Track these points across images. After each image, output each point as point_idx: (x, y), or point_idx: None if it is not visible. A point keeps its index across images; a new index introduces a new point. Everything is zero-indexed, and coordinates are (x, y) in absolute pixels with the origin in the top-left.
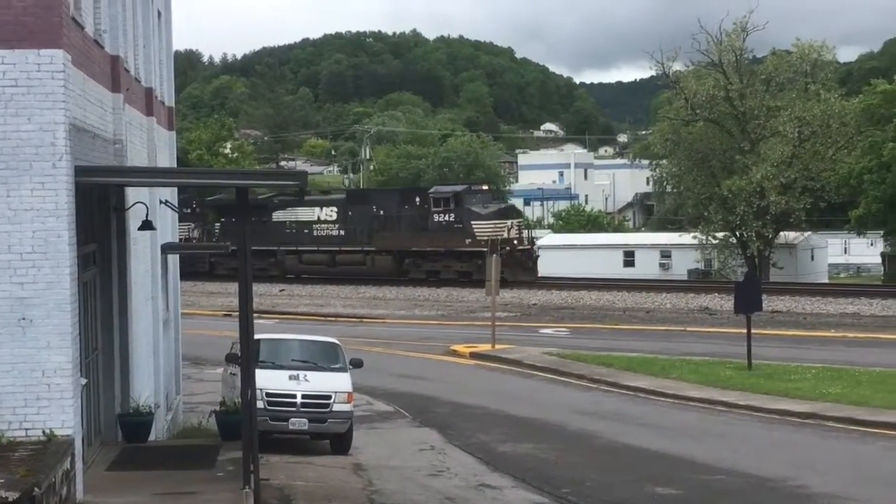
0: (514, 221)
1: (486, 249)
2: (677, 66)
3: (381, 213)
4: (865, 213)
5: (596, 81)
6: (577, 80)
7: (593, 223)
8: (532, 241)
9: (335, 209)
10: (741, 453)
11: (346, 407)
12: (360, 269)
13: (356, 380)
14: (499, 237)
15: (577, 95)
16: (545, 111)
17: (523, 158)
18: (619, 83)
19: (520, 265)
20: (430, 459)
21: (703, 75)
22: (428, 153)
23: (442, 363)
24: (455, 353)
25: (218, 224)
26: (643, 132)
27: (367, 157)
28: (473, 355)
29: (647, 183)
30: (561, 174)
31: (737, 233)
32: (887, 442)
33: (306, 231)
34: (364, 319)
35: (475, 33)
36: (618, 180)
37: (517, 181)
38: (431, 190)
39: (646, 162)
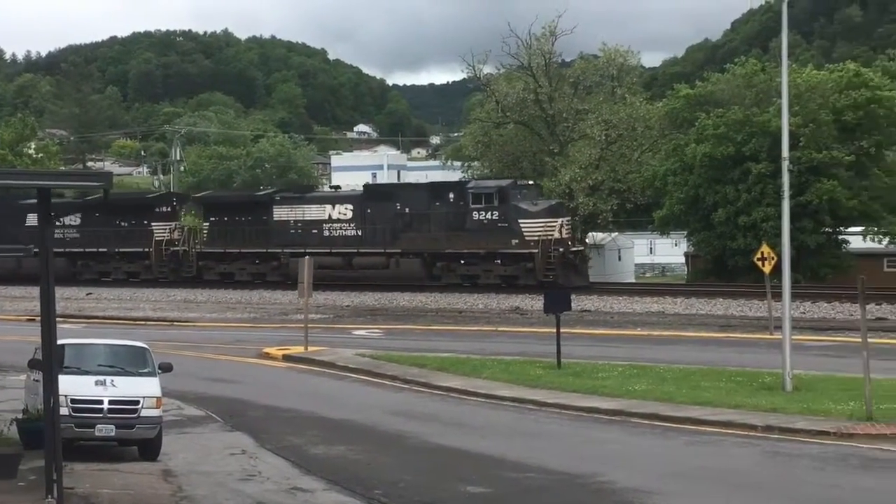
0: (565, 220)
1: (536, 251)
2: (488, 69)
3: (407, 210)
4: (668, 214)
5: (409, 84)
6: (389, 82)
7: None
8: (584, 241)
9: (350, 206)
10: (551, 451)
11: (155, 412)
12: (382, 274)
13: (166, 384)
14: (550, 237)
15: (390, 97)
16: (358, 113)
17: (336, 160)
18: (432, 85)
19: (573, 269)
20: (241, 464)
21: (513, 78)
22: (240, 154)
23: (254, 366)
24: (268, 356)
25: (207, 224)
26: (455, 134)
27: (178, 158)
28: (286, 358)
29: None
30: (374, 175)
31: None
32: (690, 437)
33: (315, 231)
34: (175, 323)
35: (287, 34)
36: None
37: (331, 182)
38: (470, 185)
39: (458, 163)
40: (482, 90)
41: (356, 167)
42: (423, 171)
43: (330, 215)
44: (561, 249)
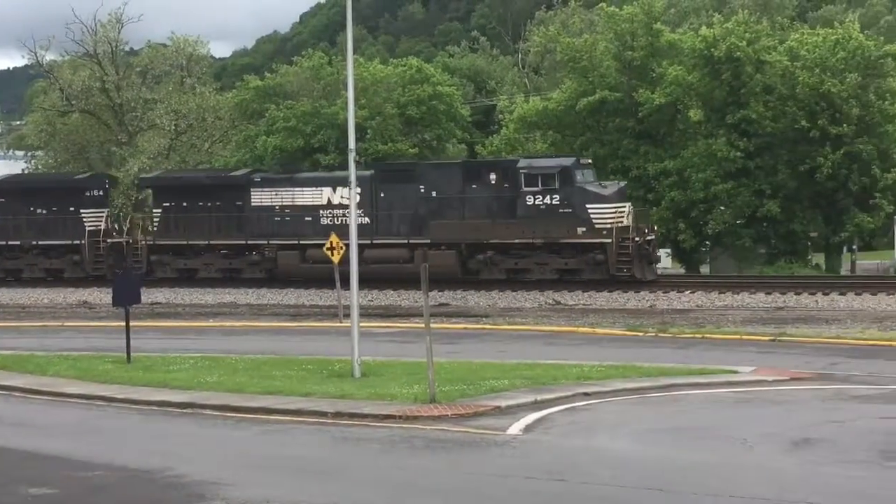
0: (630, 205)
1: (608, 241)
2: (52, 56)
3: (434, 194)
4: None
5: None
6: None
7: None
8: (654, 229)
9: (357, 189)
10: (120, 447)
11: None
12: (404, 269)
13: None
14: (620, 225)
15: None
16: None
17: None
18: None
19: (647, 260)
20: None
21: (78, 66)
22: None
23: None
24: None
25: (158, 210)
26: (18, 122)
27: None
28: None
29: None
30: None
31: None
32: (262, 426)
33: (309, 219)
34: None
35: None
36: None
37: None
38: (522, 163)
39: (21, 153)
40: (45, 77)
41: None
42: None
43: (329, 200)
44: (638, 239)
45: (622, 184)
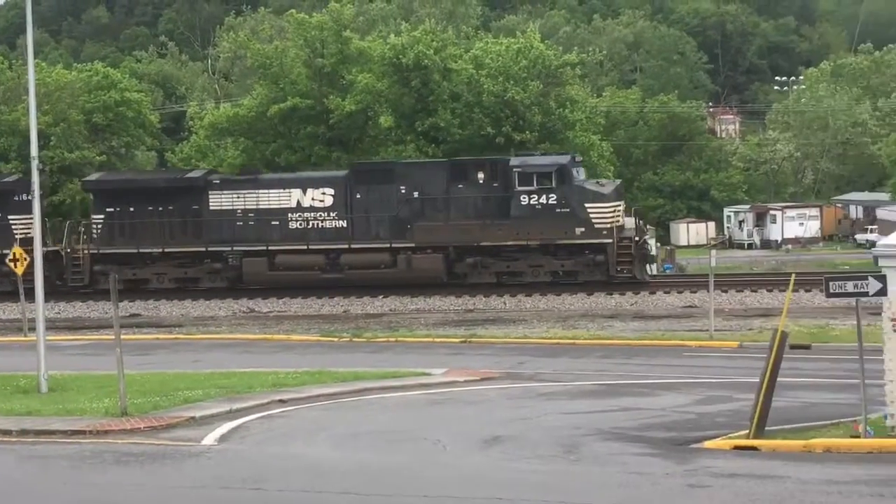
0: (624, 203)
1: (609, 241)
2: None
3: (416, 194)
4: None
5: None
6: None
7: None
8: (647, 227)
9: (330, 191)
10: None
11: None
12: (387, 275)
13: None
14: (617, 223)
15: None
16: None
17: None
18: None
19: (646, 260)
20: None
21: None
22: None
23: None
24: None
25: (100, 216)
26: None
27: None
28: None
29: None
30: None
31: None
32: None
33: (276, 223)
34: None
35: None
36: None
37: None
38: (515, 161)
39: None
40: None
41: None
42: None
43: (299, 202)
44: (637, 238)
45: (618, 182)
